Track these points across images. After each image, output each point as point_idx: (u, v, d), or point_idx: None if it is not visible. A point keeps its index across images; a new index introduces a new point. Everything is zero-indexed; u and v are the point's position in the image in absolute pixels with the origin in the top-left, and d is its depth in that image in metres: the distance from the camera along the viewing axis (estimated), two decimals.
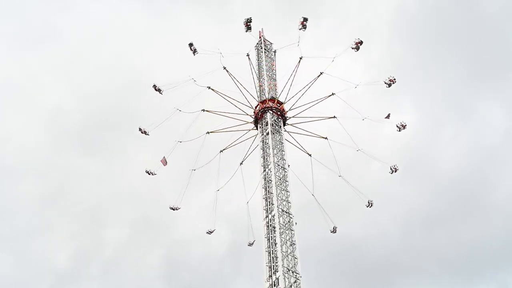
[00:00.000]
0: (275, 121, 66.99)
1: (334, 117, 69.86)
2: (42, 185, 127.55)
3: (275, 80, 71.21)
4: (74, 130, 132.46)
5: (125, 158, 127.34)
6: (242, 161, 70.73)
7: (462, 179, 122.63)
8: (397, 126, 68.03)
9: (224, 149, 70.85)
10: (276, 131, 65.47)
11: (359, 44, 67.82)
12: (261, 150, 63.19)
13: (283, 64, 73.19)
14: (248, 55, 73.43)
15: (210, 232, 72.11)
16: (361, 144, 70.73)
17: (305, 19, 70.08)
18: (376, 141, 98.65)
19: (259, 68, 72.55)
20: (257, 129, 68.19)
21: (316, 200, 69.92)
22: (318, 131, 70.29)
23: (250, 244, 70.80)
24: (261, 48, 73.95)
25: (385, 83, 67.88)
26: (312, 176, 70.14)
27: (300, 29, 70.75)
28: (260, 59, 73.17)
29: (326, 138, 70.16)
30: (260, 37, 75.21)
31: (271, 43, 76.09)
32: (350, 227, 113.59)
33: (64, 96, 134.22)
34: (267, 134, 64.14)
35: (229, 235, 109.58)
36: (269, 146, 61.89)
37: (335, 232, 71.04)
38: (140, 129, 69.20)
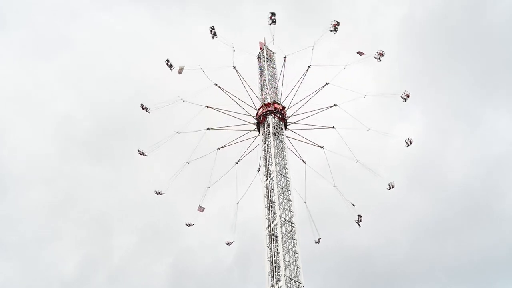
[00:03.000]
0: (277, 124, 67.29)
1: (333, 127, 70.14)
2: (50, 193, 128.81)
3: (276, 89, 71.50)
4: (83, 139, 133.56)
5: (133, 166, 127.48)
6: (238, 161, 70.91)
7: (470, 188, 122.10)
8: (406, 142, 68.80)
9: (221, 147, 71.01)
10: (278, 135, 65.78)
11: (336, 26, 70.19)
12: (264, 159, 63.39)
13: (295, 70, 73.33)
14: (258, 57, 74.72)
15: (189, 225, 71.95)
16: (368, 153, 70.93)
17: (338, 23, 70.81)
18: (383, 151, 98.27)
19: (261, 76, 73.15)
20: (259, 131, 68.72)
21: (307, 208, 69.89)
22: (323, 141, 70.85)
23: (229, 244, 71.54)
24: (263, 57, 74.49)
25: (402, 97, 68.53)
26: (305, 183, 70.20)
27: (331, 31, 71.24)
28: (262, 68, 73.67)
29: (322, 147, 70.58)
30: (261, 48, 75.88)
31: (274, 52, 76.70)
32: (357, 236, 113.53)
33: (73, 105, 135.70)
34: (268, 133, 64.74)
35: (236, 244, 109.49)
36: (271, 155, 61.93)
37: (319, 242, 70.84)
38: (139, 151, 70.64)
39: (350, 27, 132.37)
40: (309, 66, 71.52)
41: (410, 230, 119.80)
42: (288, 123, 69.52)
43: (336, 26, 70.58)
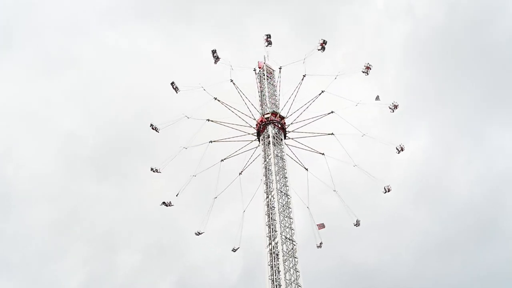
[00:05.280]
0: (276, 134, 68.10)
1: (332, 134, 71.04)
2: (55, 211, 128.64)
3: (276, 106, 72.07)
4: (88, 156, 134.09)
5: (138, 183, 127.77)
6: (242, 171, 71.56)
7: (475, 204, 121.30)
8: (397, 149, 69.51)
9: (225, 159, 71.86)
10: (277, 145, 66.58)
11: (369, 69, 70.39)
12: (264, 177, 63.26)
13: (296, 84, 73.86)
14: (254, 69, 75.97)
15: (198, 233, 71.60)
16: (372, 169, 71.09)
17: (325, 42, 71.92)
18: (389, 166, 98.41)
19: (261, 94, 73.90)
20: (259, 141, 69.56)
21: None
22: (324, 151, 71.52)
23: (234, 250, 71.17)
24: (264, 75, 75.29)
25: (390, 108, 70.02)
26: (308, 189, 70.57)
27: (318, 50, 72.54)
28: (262, 85, 74.48)
29: (323, 154, 71.44)
30: (260, 67, 76.79)
31: (273, 70, 77.35)
32: (362, 252, 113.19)
33: (79, 123, 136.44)
34: (268, 143, 65.66)
35: (242, 261, 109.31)
36: (272, 173, 62.01)
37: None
38: (152, 169, 71.30)
39: (356, 43, 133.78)
40: (304, 76, 72.85)
41: (415, 246, 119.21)
42: (287, 132, 70.40)
43: (324, 45, 71.79)
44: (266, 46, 74.07)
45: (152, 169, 71.22)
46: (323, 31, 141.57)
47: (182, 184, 71.57)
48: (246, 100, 72.18)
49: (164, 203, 70.77)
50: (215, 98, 72.77)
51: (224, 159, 71.77)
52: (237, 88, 72.82)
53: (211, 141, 71.78)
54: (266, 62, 76.94)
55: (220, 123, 71.78)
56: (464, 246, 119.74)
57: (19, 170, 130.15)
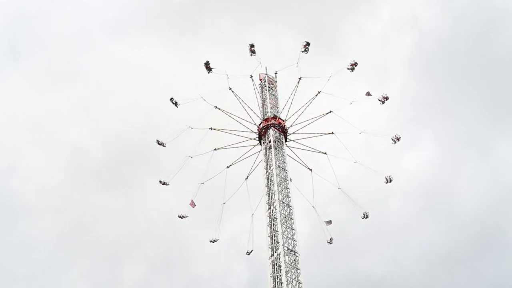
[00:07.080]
0: (277, 137, 68.89)
1: (332, 133, 72.09)
2: (61, 222, 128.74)
3: (278, 114, 72.57)
4: (94, 168, 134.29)
5: (144, 195, 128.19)
6: (230, 165, 72.93)
7: (481, 215, 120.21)
8: (386, 179, 70.83)
9: (230, 165, 72.94)
10: (279, 149, 67.37)
11: (354, 66, 72.31)
12: (266, 187, 63.21)
13: (304, 94, 75.24)
14: (251, 76, 76.19)
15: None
16: (377, 180, 71.34)
17: (356, 63, 72.79)
18: (394, 178, 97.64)
19: (263, 106, 74.17)
20: (260, 144, 70.54)
21: (316, 212, 71.19)
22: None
23: (248, 253, 71.26)
24: (265, 86, 75.79)
25: (392, 139, 71.15)
26: (313, 189, 71.61)
27: (302, 52, 74.43)
28: (264, 96, 74.90)
29: (325, 153, 72.42)
30: (260, 80, 77.32)
31: (276, 81, 77.95)
32: (368, 263, 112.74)
33: (85, 135, 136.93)
34: (270, 147, 66.42)
35: (247, 273, 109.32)
36: (273, 183, 62.05)
37: (332, 243, 71.41)
38: (160, 181, 72.69)
39: (361, 54, 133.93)
40: (319, 92, 73.66)
41: (421, 257, 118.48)
42: (288, 140, 71.15)
43: (354, 66, 72.60)
44: (302, 52, 74.47)
45: (160, 181, 72.67)
46: (329, 41, 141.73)
47: (188, 194, 72.95)
48: (248, 105, 73.23)
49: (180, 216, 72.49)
50: (216, 107, 73.77)
51: (230, 165, 72.92)
52: (236, 95, 73.88)
53: (215, 149, 72.81)
54: (268, 73, 77.67)
55: (222, 130, 72.88)
56: (470, 257, 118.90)
57: (25, 182, 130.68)
